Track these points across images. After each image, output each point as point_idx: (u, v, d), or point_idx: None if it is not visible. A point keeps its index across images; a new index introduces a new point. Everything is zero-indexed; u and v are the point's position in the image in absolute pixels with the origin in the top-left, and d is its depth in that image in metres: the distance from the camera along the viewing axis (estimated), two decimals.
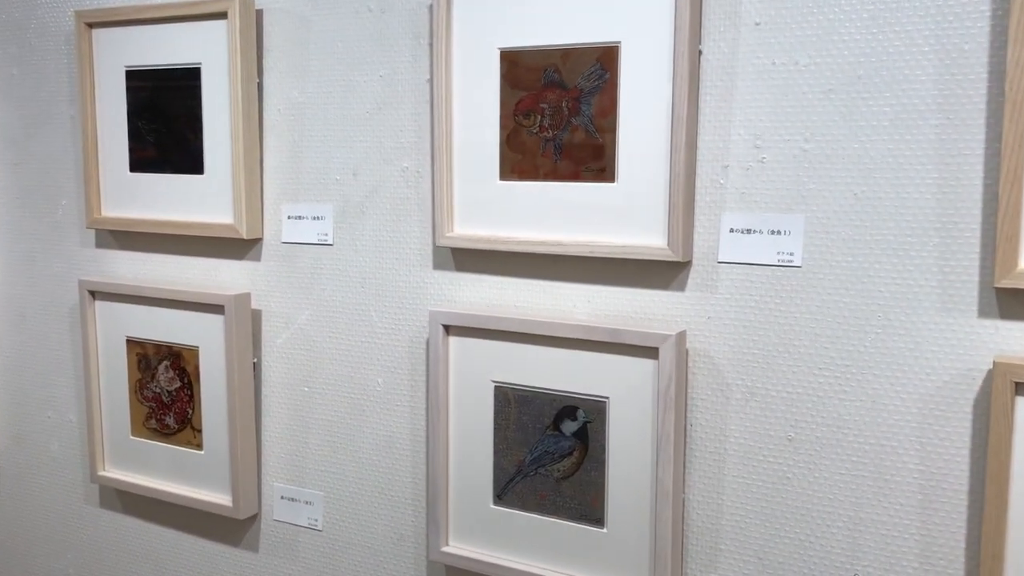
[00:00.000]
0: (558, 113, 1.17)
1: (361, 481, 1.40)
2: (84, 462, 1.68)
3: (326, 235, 1.39)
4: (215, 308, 1.43)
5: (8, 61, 1.67)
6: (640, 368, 1.13)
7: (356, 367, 1.38)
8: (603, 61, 1.14)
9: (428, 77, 1.29)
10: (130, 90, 1.51)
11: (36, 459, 1.74)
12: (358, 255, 1.37)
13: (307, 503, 1.45)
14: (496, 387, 1.24)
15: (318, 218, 1.39)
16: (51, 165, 1.65)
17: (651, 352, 1.12)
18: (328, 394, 1.41)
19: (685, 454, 1.14)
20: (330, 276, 1.39)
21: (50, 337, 1.69)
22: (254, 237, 1.43)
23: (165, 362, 1.51)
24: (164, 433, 1.53)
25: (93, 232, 1.61)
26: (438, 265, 1.31)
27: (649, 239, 1.13)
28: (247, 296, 1.43)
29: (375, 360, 1.37)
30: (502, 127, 1.21)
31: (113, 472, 1.60)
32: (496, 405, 1.24)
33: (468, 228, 1.25)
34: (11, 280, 1.72)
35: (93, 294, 1.56)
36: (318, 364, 1.42)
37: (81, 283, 1.56)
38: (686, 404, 1.14)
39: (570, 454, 1.19)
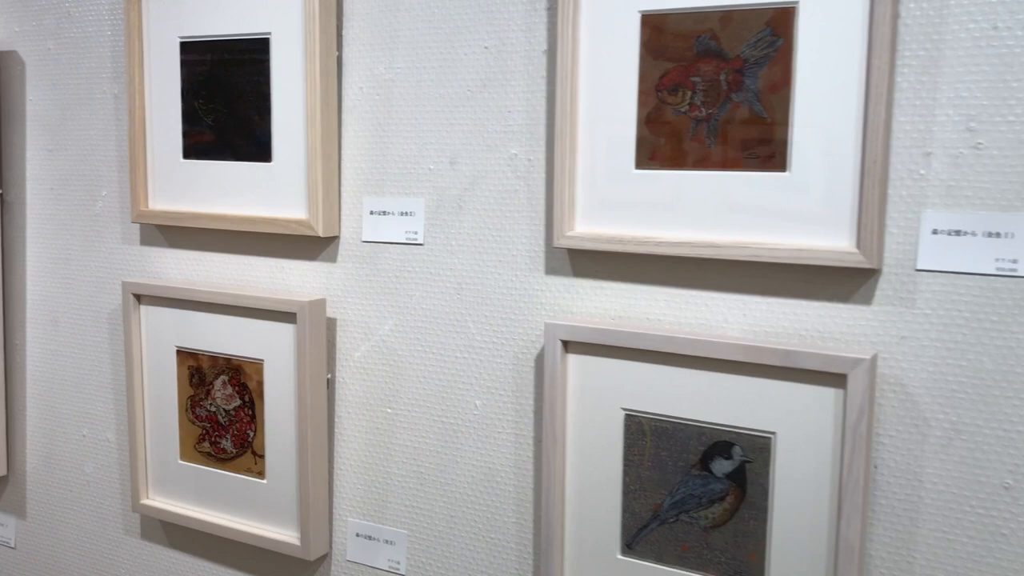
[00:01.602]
0: (714, 88, 0.97)
1: (453, 520, 1.20)
2: (124, 488, 1.48)
3: (416, 233, 1.19)
4: (284, 316, 1.24)
5: (43, 34, 1.48)
6: (818, 398, 0.93)
7: (449, 387, 1.19)
8: (775, 25, 0.94)
9: (545, 48, 1.09)
10: (185, 65, 1.32)
11: (68, 482, 1.54)
12: (453, 257, 1.17)
13: (387, 543, 1.25)
14: (627, 416, 1.04)
15: (406, 214, 1.20)
16: (90, 151, 1.46)
17: (835, 379, 0.92)
18: (414, 417, 1.22)
19: (866, 502, 0.94)
20: (419, 281, 1.20)
21: (87, 346, 1.49)
22: (330, 235, 1.23)
23: (223, 377, 1.31)
24: (219, 458, 1.33)
25: (138, 227, 1.42)
26: (552, 270, 1.11)
27: (830, 240, 0.93)
28: (322, 303, 1.24)
29: (472, 379, 1.17)
30: (640, 105, 1.02)
31: (157, 500, 1.40)
32: (627, 437, 1.04)
33: (592, 226, 1.05)
34: (43, 281, 1.53)
35: (138, 298, 1.37)
36: (403, 382, 1.22)
37: (125, 285, 1.37)
38: (869, 442, 0.94)
39: (722, 499, 0.99)
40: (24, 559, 1.62)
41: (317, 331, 1.23)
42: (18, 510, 1.61)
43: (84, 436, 1.52)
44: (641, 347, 1.02)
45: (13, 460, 1.60)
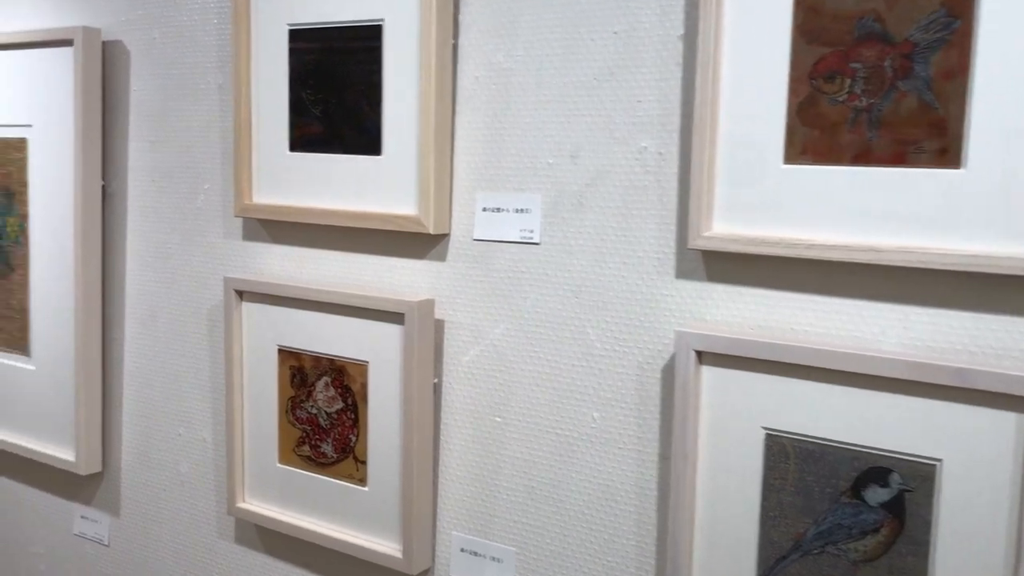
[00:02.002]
0: (877, 75, 0.88)
1: (567, 539, 1.12)
2: (219, 489, 1.44)
3: (531, 232, 1.12)
4: (392, 316, 1.18)
5: (149, 23, 1.46)
6: (995, 423, 0.83)
7: (565, 396, 1.11)
8: (951, 5, 0.84)
9: (682, 32, 1.01)
10: (293, 54, 1.27)
11: (163, 482, 1.51)
12: (573, 258, 1.09)
13: (494, 560, 1.18)
14: (768, 435, 0.95)
15: (522, 211, 1.13)
16: (193, 143, 1.42)
17: (1015, 402, 0.81)
18: (526, 427, 1.14)
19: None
20: (534, 282, 1.12)
21: (185, 342, 1.46)
22: (440, 232, 1.17)
23: (325, 378, 1.26)
24: (319, 463, 1.28)
25: (240, 222, 1.38)
26: (683, 273, 1.02)
27: (1010, 247, 0.83)
28: (431, 303, 1.17)
29: (590, 389, 1.09)
30: (791, 94, 0.93)
31: (254, 504, 1.36)
32: (768, 459, 0.95)
33: (732, 226, 0.97)
34: (143, 275, 1.50)
35: (240, 294, 1.33)
36: (514, 390, 1.15)
37: (227, 281, 1.33)
38: None
39: (875, 530, 0.89)
40: (117, 557, 1.59)
41: (425, 333, 1.17)
42: (112, 508, 1.59)
43: (180, 435, 1.48)
44: (787, 360, 0.92)
45: (109, 457, 1.58)
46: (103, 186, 1.52)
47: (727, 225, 0.97)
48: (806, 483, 0.93)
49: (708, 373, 0.98)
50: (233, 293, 1.32)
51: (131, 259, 1.51)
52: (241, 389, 1.34)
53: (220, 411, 1.43)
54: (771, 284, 0.97)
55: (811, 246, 0.91)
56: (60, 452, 1.58)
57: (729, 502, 0.98)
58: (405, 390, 1.17)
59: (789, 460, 0.94)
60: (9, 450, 1.64)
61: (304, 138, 1.27)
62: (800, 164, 0.92)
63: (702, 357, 0.98)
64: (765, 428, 0.95)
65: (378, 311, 1.19)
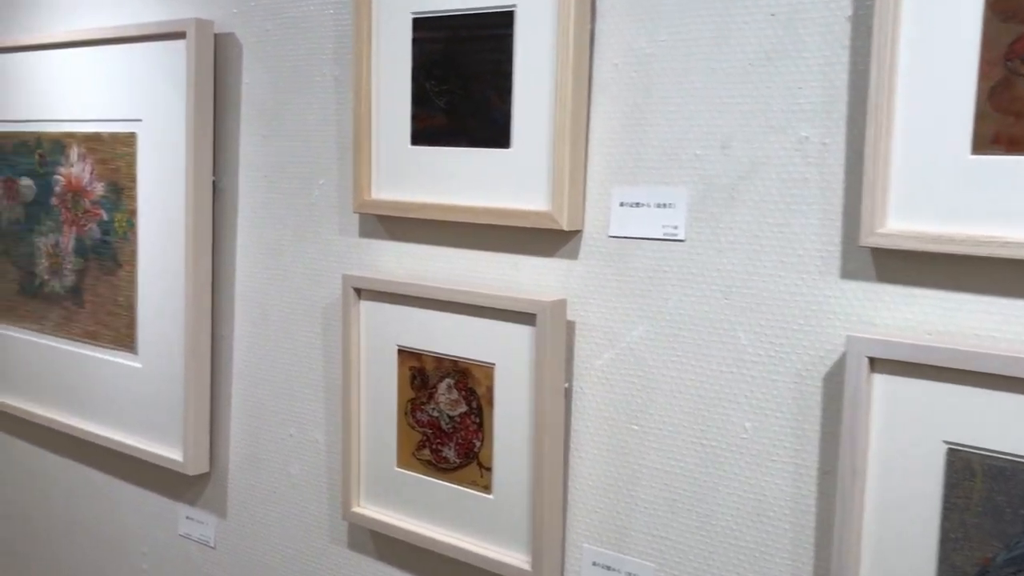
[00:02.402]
0: None
1: (712, 557, 1.05)
2: (331, 493, 1.40)
3: (675, 228, 1.05)
4: (522, 317, 1.12)
5: (262, 14, 1.42)
6: None
7: (711, 404, 1.04)
8: None
9: (850, 13, 0.93)
10: (417, 43, 1.22)
11: (272, 483, 1.48)
12: (722, 256, 1.02)
13: None
14: (951, 450, 0.87)
15: (665, 205, 1.06)
16: (308, 137, 1.38)
17: None
18: (667, 436, 1.08)
19: None
20: (678, 282, 1.06)
21: (297, 341, 1.42)
22: (574, 229, 1.11)
23: (448, 380, 1.21)
24: (440, 468, 1.23)
25: (356, 218, 1.34)
26: (849, 273, 0.95)
27: None
28: (563, 304, 1.11)
29: (741, 397, 1.02)
30: (982, 78, 0.84)
31: (369, 509, 1.31)
32: (949, 476, 0.87)
33: (909, 222, 0.89)
34: (253, 273, 1.47)
35: (359, 292, 1.28)
36: (654, 396, 1.08)
37: (345, 279, 1.29)
38: None
39: None
40: (223, 560, 1.57)
41: (558, 335, 1.11)
42: (219, 509, 1.56)
43: (291, 436, 1.45)
44: (973, 368, 0.84)
45: (216, 457, 1.55)
46: (214, 182, 1.49)
47: (904, 221, 0.89)
48: (995, 503, 0.85)
49: (881, 382, 0.90)
50: (351, 291, 1.28)
51: (241, 256, 1.48)
52: (358, 390, 1.30)
53: (334, 412, 1.39)
54: (951, 286, 0.89)
55: (1007, 244, 0.83)
56: (167, 451, 1.56)
57: (904, 523, 0.90)
58: (536, 395, 1.12)
59: (975, 478, 0.86)
60: (115, 448, 1.63)
61: (427, 131, 1.22)
62: (991, 154, 0.84)
63: (875, 364, 0.90)
64: (947, 442, 0.87)
65: (507, 311, 1.14)
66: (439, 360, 1.22)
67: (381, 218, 1.31)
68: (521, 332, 1.13)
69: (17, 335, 1.83)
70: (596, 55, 1.10)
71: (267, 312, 1.46)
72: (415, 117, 1.23)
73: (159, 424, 1.57)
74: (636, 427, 1.10)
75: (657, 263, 1.07)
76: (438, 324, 1.21)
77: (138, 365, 1.59)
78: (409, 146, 1.24)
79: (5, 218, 1.83)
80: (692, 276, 1.05)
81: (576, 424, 1.15)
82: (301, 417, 1.43)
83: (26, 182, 1.77)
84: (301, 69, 1.38)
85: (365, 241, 1.33)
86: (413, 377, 1.25)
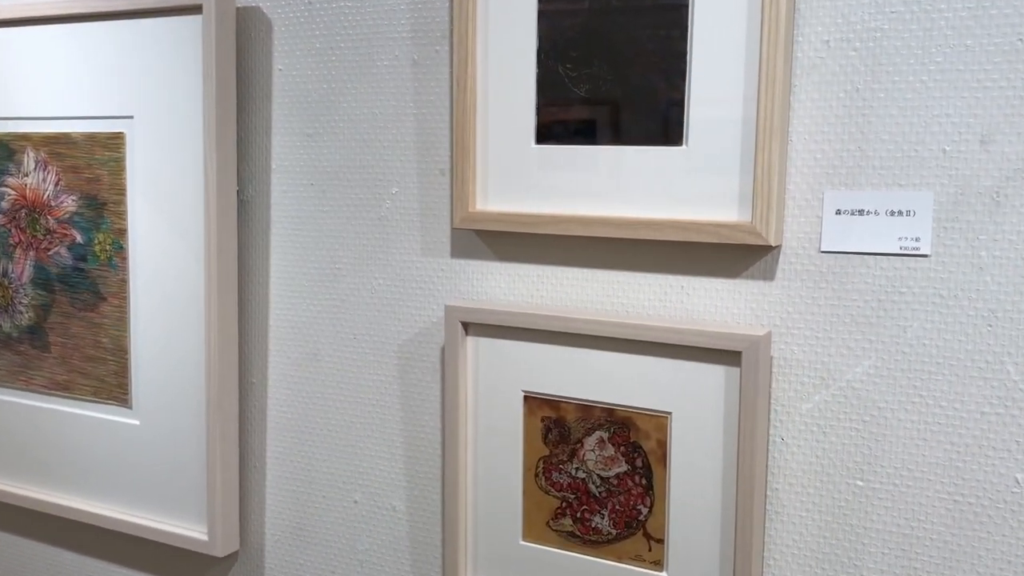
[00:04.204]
0: None
1: None
2: (418, 572, 1.15)
3: (917, 241, 0.87)
4: (714, 355, 0.91)
5: None
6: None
7: (968, 453, 0.86)
8: None
9: None
10: (545, 17, 0.98)
11: (328, 562, 1.20)
12: (983, 274, 0.84)
13: None
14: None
15: (901, 213, 0.87)
16: (373, 135, 1.12)
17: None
18: (904, 493, 0.89)
19: None
20: (920, 306, 0.87)
21: (362, 387, 1.16)
22: (776, 242, 0.91)
23: (599, 433, 0.98)
24: (589, 540, 1.00)
25: (445, 235, 1.09)
26: None
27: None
28: (767, 339, 0.91)
29: (1011, 444, 0.84)
30: None
31: None
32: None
33: None
34: (295, 304, 1.19)
35: (466, 326, 1.04)
36: (884, 445, 0.89)
37: (450, 311, 1.03)
38: None
39: None
40: None
41: (762, 376, 0.90)
42: None
43: (356, 503, 1.18)
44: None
45: (247, 532, 1.26)
46: (238, 192, 1.20)
47: None
48: None
49: None
50: (458, 325, 1.03)
51: (278, 283, 1.20)
52: (467, 446, 1.05)
53: (418, 473, 1.13)
54: None
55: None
56: (183, 528, 1.25)
57: None
58: (734, 449, 0.91)
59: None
60: (110, 527, 1.31)
61: (558, 126, 0.99)
62: None
63: None
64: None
65: (691, 348, 0.92)
66: (586, 409, 0.99)
67: (483, 234, 1.06)
68: (712, 373, 0.92)
69: None
70: (799, 32, 0.90)
71: (318, 352, 1.18)
72: (542, 109, 0.99)
73: (168, 494, 1.26)
74: (860, 483, 0.91)
75: (891, 284, 0.88)
76: (584, 365, 0.98)
77: (134, 422, 1.28)
78: (532, 146, 1.00)
79: None
80: (941, 299, 0.86)
81: (775, 481, 0.94)
82: (370, 480, 1.17)
83: None
84: (360, 52, 1.12)
85: (460, 263, 1.08)
86: (547, 430, 1.01)
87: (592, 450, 0.99)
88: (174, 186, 1.20)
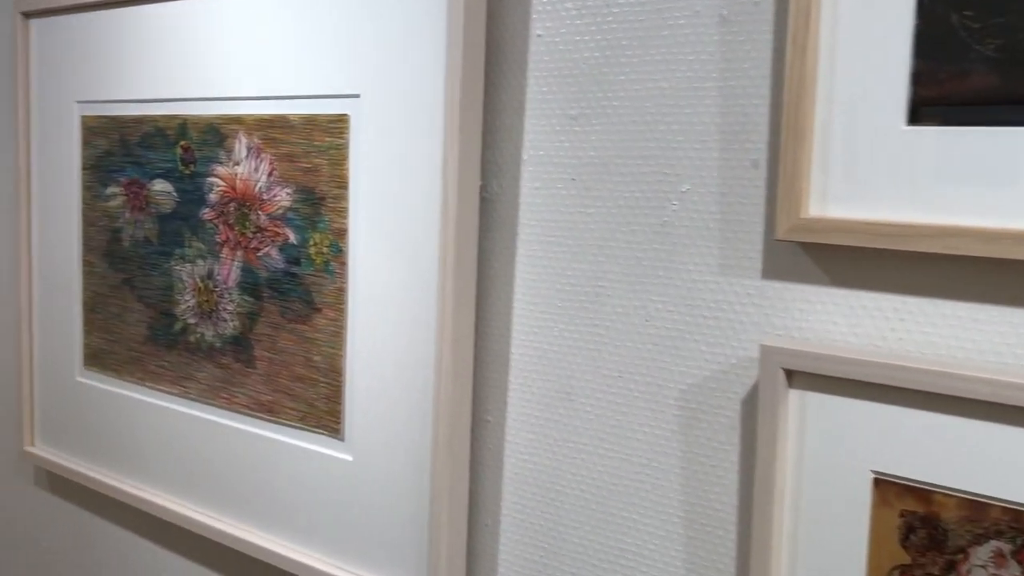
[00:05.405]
0: None
1: None
2: None
3: None
4: None
5: None
6: None
7: None
8: None
9: None
10: None
11: None
12: None
13: None
14: None
15: None
16: (657, 117, 0.86)
17: None
18: None
19: None
20: None
21: (635, 440, 0.90)
22: None
23: (996, 543, 0.68)
24: None
25: (755, 249, 0.81)
26: None
27: None
28: None
29: None
30: None
31: None
32: None
33: None
34: (546, 327, 0.95)
35: (790, 375, 0.76)
36: None
37: (766, 351, 0.76)
38: None
39: None
40: None
41: None
42: None
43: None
44: None
45: None
46: (481, 188, 0.97)
47: None
48: None
49: None
50: (780, 374, 0.75)
51: (523, 301, 0.96)
52: (780, 537, 0.77)
53: (701, 562, 0.86)
54: None
55: None
56: None
57: None
58: None
59: None
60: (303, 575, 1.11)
61: (945, 100, 0.69)
62: None
63: None
64: None
65: None
66: (976, 506, 0.69)
67: (814, 249, 0.78)
68: None
69: (144, 398, 1.32)
70: None
71: (571, 390, 0.94)
72: (921, 76, 0.70)
73: (379, 546, 1.05)
74: None
75: None
76: (975, 442, 0.68)
77: (346, 457, 1.08)
78: (902, 128, 0.71)
79: (129, 236, 1.32)
80: None
81: None
82: (635, 562, 0.91)
83: (161, 186, 1.27)
84: (649, 8, 0.86)
85: (776, 286, 0.80)
86: (908, 529, 0.72)
87: (984, 566, 0.69)
88: (405, 179, 0.99)
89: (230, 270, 1.19)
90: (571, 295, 0.93)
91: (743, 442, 0.83)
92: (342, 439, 1.08)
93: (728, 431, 0.84)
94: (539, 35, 0.94)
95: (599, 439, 0.92)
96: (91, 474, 1.40)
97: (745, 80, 0.81)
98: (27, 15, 1.43)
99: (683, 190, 0.85)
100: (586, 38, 0.90)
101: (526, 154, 0.95)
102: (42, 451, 1.50)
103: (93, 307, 1.39)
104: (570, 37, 0.91)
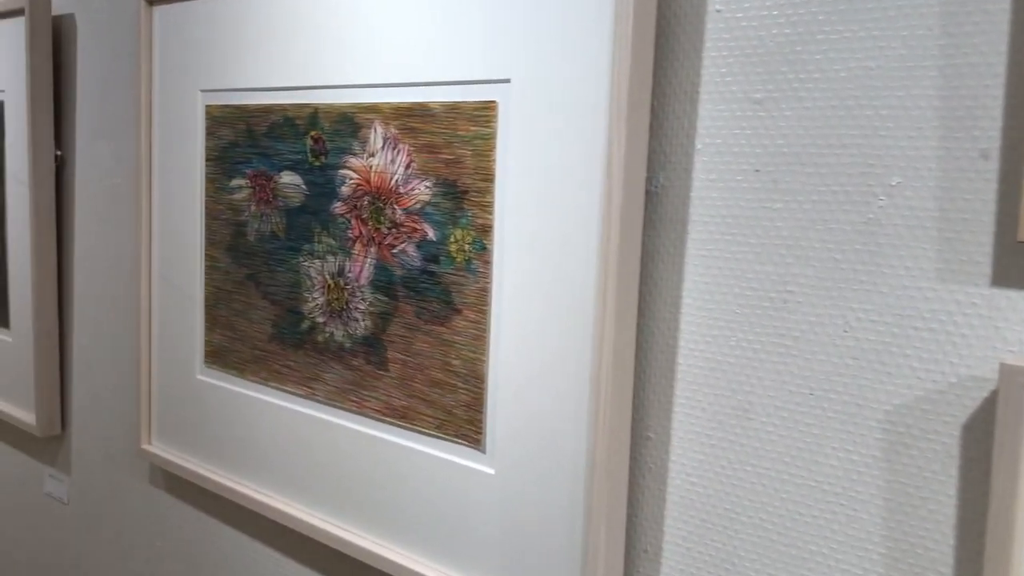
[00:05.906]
0: None
1: None
2: None
3: None
4: None
5: None
6: None
7: None
8: None
9: None
10: None
11: None
12: None
13: None
14: None
15: None
16: (862, 98, 0.76)
17: None
18: None
19: None
20: None
21: (825, 469, 0.80)
22: None
23: None
24: None
25: (984, 253, 0.70)
26: None
27: None
28: None
29: None
30: None
31: None
32: None
33: None
34: (717, 336, 0.86)
35: None
36: None
37: (1008, 371, 0.65)
38: None
39: None
40: None
41: None
42: None
43: None
44: None
45: None
46: (648, 181, 0.88)
47: None
48: None
49: None
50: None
51: (692, 308, 0.87)
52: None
53: None
54: None
55: None
56: None
57: None
58: None
59: None
60: None
61: None
62: None
63: None
64: None
65: None
66: None
67: None
68: None
69: (266, 398, 1.27)
70: None
71: (749, 407, 0.84)
72: None
73: (527, 566, 0.97)
74: None
75: None
76: None
77: (487, 470, 1.00)
78: None
79: (254, 230, 1.27)
80: None
81: None
82: None
83: (289, 179, 1.21)
84: None
85: (1013, 296, 0.69)
86: None
87: None
88: (560, 172, 0.90)
89: (362, 267, 1.12)
90: (752, 301, 0.83)
91: (962, 473, 0.72)
92: (483, 450, 1.01)
93: (944, 460, 0.73)
94: (718, 10, 0.84)
95: (783, 463, 0.82)
96: (209, 474, 1.36)
97: (975, 57, 0.70)
98: (151, 2, 1.39)
99: (893, 184, 0.75)
100: (774, 12, 0.80)
101: (700, 143, 0.86)
102: (159, 449, 1.47)
103: (215, 303, 1.35)
104: (755, 12, 0.81)
